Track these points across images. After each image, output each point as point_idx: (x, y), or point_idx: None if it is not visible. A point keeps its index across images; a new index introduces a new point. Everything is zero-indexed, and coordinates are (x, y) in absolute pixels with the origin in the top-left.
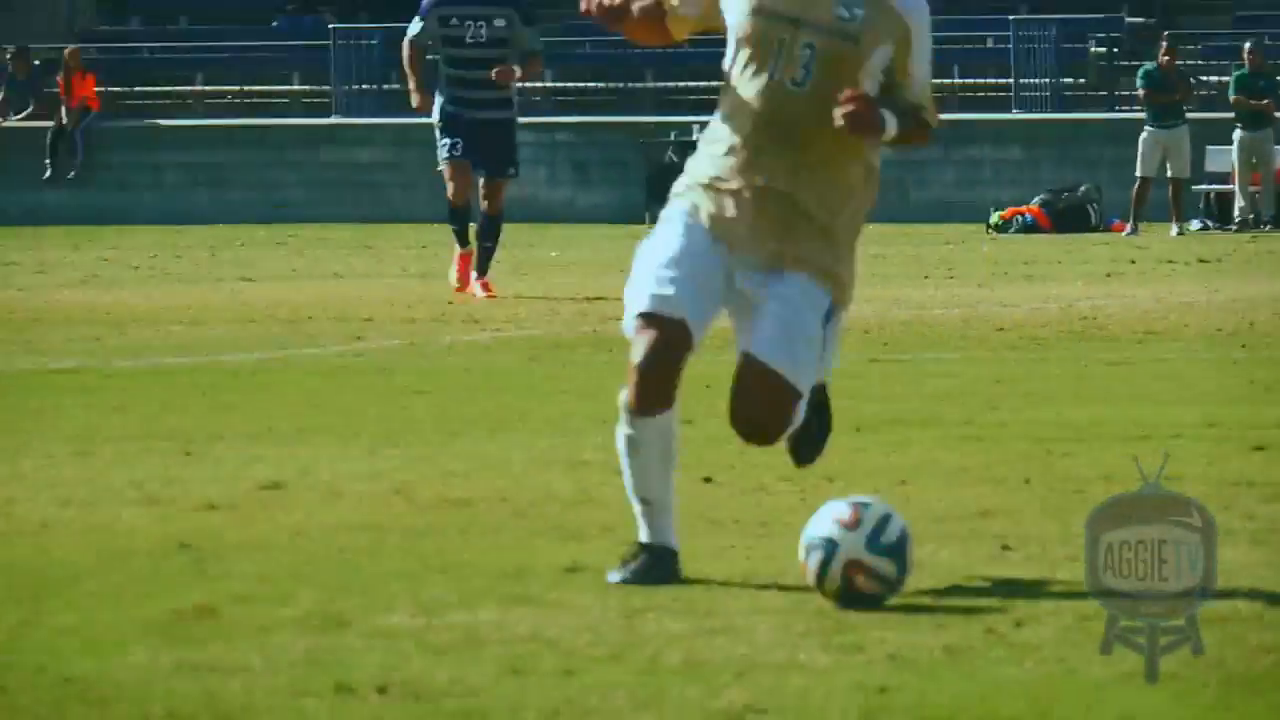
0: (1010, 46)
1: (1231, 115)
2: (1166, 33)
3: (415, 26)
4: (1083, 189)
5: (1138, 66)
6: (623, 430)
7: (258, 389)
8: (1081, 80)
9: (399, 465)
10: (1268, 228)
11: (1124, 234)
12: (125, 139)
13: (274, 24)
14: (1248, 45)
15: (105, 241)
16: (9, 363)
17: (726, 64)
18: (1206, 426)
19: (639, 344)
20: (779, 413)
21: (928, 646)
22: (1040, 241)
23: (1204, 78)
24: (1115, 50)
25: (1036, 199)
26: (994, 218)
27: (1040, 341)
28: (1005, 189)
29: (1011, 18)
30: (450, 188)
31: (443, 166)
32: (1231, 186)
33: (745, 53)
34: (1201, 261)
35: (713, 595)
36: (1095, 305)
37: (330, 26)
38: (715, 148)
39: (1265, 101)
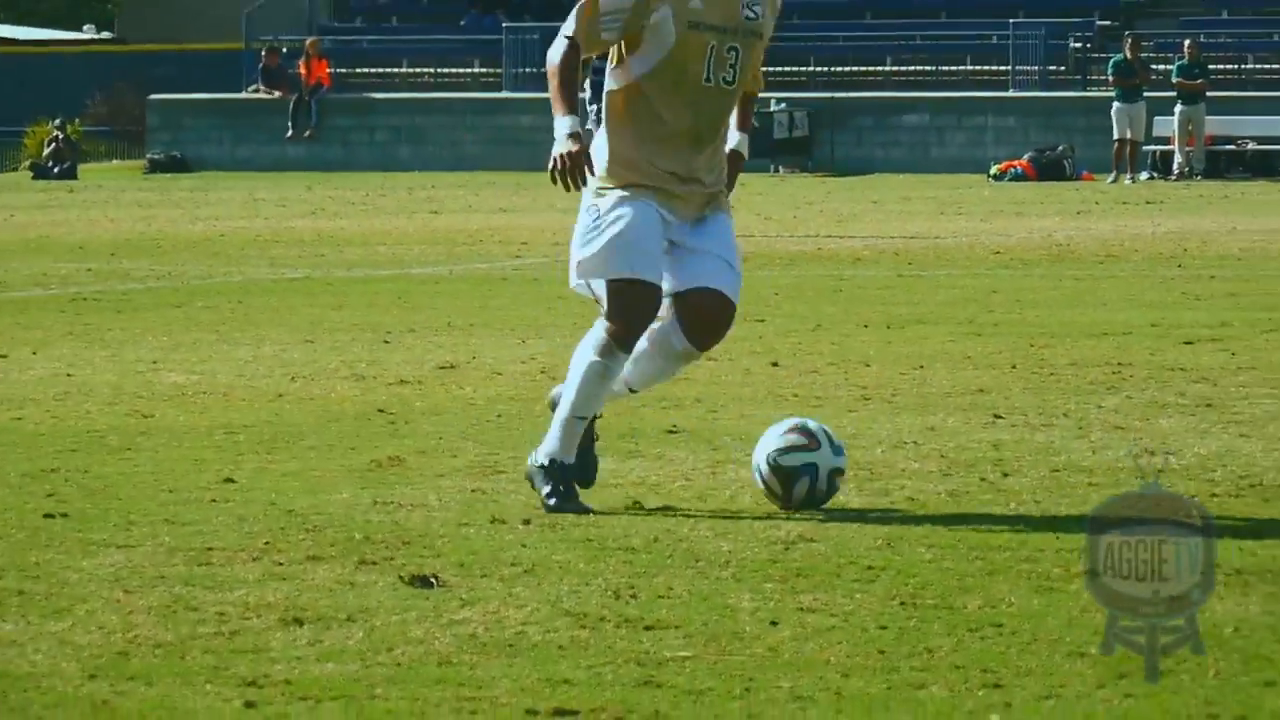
0: (1009, 42)
1: (1173, 94)
2: (1128, 32)
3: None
4: (1060, 148)
5: (1106, 58)
6: (602, 361)
7: (440, 294)
8: (1062, 68)
9: (544, 352)
10: (1198, 178)
11: (1108, 181)
12: (348, 108)
13: (461, 22)
14: (1187, 42)
15: (330, 184)
16: (255, 272)
17: (639, 69)
18: (1150, 326)
19: (628, 297)
20: (727, 326)
21: (935, 491)
22: (1028, 187)
23: (1154, 66)
24: (1088, 45)
25: (1026, 155)
26: (993, 170)
27: (1026, 262)
28: (1002, 148)
29: (1011, 20)
30: None
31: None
32: (1172, 148)
33: (677, 61)
34: (1148, 203)
35: None
36: (1068, 235)
37: (503, 25)
38: (647, 141)
39: (1199, 83)
